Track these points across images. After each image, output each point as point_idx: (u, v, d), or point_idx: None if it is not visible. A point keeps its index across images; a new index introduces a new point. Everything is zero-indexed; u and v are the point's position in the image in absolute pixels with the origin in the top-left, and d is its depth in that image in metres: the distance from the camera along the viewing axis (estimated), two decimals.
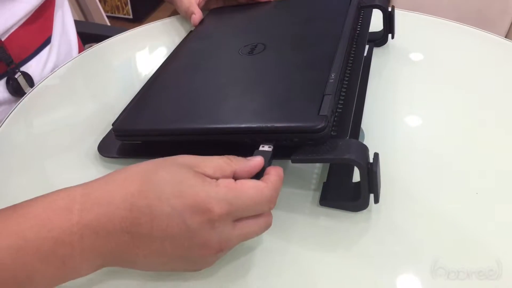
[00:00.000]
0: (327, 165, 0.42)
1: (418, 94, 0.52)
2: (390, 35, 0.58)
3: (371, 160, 0.35)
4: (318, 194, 0.40)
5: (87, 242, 0.29)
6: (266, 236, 0.37)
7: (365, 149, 0.36)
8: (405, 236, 0.36)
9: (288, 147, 0.37)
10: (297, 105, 0.38)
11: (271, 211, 0.33)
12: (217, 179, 0.31)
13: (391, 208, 0.38)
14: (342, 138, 0.38)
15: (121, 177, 0.31)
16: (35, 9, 0.64)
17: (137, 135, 0.43)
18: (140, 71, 0.61)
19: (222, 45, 0.54)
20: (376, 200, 0.37)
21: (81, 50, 0.79)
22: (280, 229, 0.38)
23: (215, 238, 0.30)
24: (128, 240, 0.30)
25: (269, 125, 0.36)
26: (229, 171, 0.33)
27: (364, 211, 0.38)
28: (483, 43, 0.60)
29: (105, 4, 2.22)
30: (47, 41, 0.68)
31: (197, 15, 0.63)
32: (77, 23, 0.82)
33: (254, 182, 0.32)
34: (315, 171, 0.43)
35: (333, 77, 0.40)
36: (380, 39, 0.58)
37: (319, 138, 0.36)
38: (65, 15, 0.74)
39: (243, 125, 0.38)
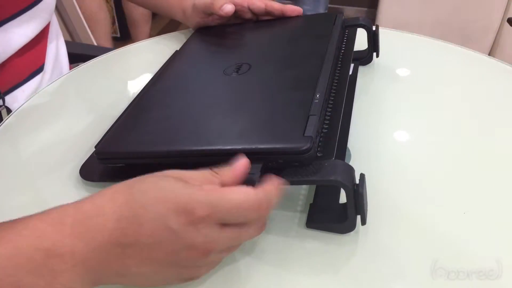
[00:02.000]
0: (314, 186, 0.42)
1: (404, 113, 0.52)
2: (375, 54, 0.59)
3: (357, 181, 0.35)
4: (304, 216, 0.39)
5: (78, 255, 0.29)
6: (251, 259, 0.36)
7: (351, 170, 0.36)
8: (393, 257, 0.36)
9: (274, 168, 0.37)
10: (282, 126, 0.38)
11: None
12: None
13: (378, 229, 0.38)
14: (328, 159, 0.37)
15: (111, 191, 0.32)
16: (29, 41, 0.64)
17: (120, 158, 0.42)
18: (126, 91, 0.61)
19: (207, 65, 0.54)
20: (363, 222, 0.36)
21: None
22: (266, 252, 0.37)
23: (200, 239, 0.30)
24: (119, 251, 0.30)
25: (253, 146, 0.36)
26: (217, 182, 0.33)
27: (351, 232, 0.37)
28: (466, 60, 0.61)
29: None
30: (39, 70, 0.67)
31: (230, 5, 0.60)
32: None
33: (241, 187, 0.31)
34: (302, 192, 0.42)
35: (318, 97, 0.40)
36: (365, 57, 0.59)
37: (304, 160, 0.36)
38: (59, 46, 0.74)
39: (228, 147, 0.37)
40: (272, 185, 0.33)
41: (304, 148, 0.35)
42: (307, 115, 0.38)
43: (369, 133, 0.48)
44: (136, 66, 0.67)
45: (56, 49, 0.73)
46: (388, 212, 0.39)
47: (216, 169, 0.34)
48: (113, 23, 2.18)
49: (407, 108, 0.52)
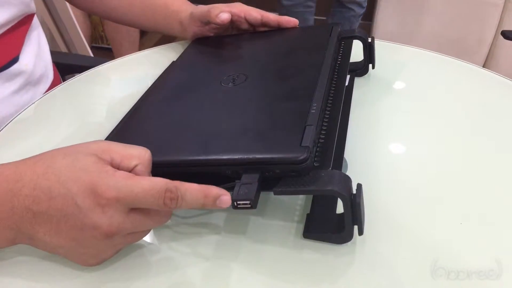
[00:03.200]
0: (311, 196, 0.42)
1: (400, 123, 0.52)
2: (370, 65, 0.59)
3: (354, 191, 0.35)
4: (301, 226, 0.39)
5: None
6: (246, 269, 0.36)
7: (348, 180, 0.35)
8: (391, 267, 0.36)
9: (271, 178, 0.36)
10: (279, 136, 0.38)
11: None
12: (119, 168, 0.34)
13: (376, 239, 0.38)
14: (325, 169, 0.37)
15: (34, 160, 0.35)
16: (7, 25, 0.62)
17: None
18: (121, 102, 0.60)
19: (204, 75, 0.54)
20: (360, 232, 0.36)
21: (56, 77, 0.77)
22: (263, 263, 0.37)
23: (105, 221, 0.32)
24: (30, 216, 0.33)
25: (250, 156, 0.36)
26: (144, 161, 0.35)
27: (349, 243, 0.37)
28: (461, 72, 0.61)
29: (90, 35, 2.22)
30: (14, 60, 0.65)
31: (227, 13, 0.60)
32: (60, 54, 0.81)
33: (154, 177, 0.34)
34: (299, 202, 0.42)
35: (314, 107, 0.40)
36: (361, 69, 0.59)
37: (301, 170, 0.35)
38: (40, 37, 0.72)
39: (224, 157, 0.37)
40: (198, 188, 0.34)
41: (301, 158, 0.35)
42: (304, 125, 0.38)
43: (366, 144, 0.48)
44: (132, 77, 0.67)
45: (38, 41, 0.71)
46: (385, 222, 0.39)
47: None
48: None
49: (403, 119, 0.52)
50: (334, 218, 0.39)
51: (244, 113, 0.43)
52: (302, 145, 0.36)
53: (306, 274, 0.36)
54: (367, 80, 0.59)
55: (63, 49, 1.00)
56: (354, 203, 0.34)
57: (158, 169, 0.39)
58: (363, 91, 0.57)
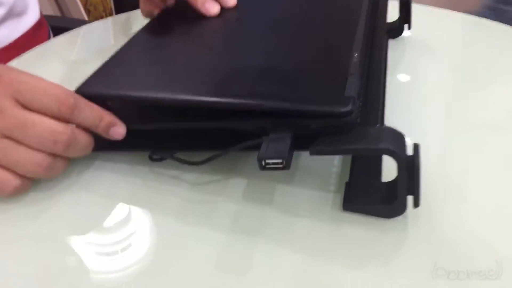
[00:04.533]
0: (347, 162, 0.35)
1: (439, 89, 0.45)
2: (406, 26, 0.52)
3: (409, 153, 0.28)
4: (339, 197, 0.32)
5: None
6: (273, 247, 0.29)
7: (402, 138, 0.29)
8: (456, 247, 0.29)
9: (306, 138, 0.29)
10: (317, 85, 0.31)
11: None
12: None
13: (434, 212, 0.31)
14: (372, 126, 0.30)
15: None
16: None
17: (102, 101, 0.35)
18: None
19: (235, 15, 0.46)
20: (416, 204, 0.29)
21: (44, 26, 0.69)
22: (293, 239, 0.30)
23: None
24: None
25: (284, 106, 0.29)
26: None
27: (399, 217, 0.30)
28: (505, 38, 0.54)
29: (89, 15, 2.13)
30: None
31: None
32: (53, 18, 0.75)
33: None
34: (334, 169, 0.35)
35: (356, 57, 0.33)
36: (395, 29, 0.52)
37: (345, 125, 0.29)
38: None
39: (250, 102, 0.30)
40: (98, 108, 0.33)
41: (346, 110, 0.28)
42: (346, 74, 0.31)
43: (403, 109, 0.41)
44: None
45: None
46: (443, 192, 0.32)
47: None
48: (111, 14, 2.07)
49: (442, 84, 0.45)
50: (381, 186, 0.32)
51: (276, 58, 0.35)
52: (345, 95, 0.29)
53: (347, 254, 0.29)
54: (401, 42, 0.53)
55: (56, 12, 0.92)
56: (413, 166, 0.28)
57: (156, 110, 0.32)
58: (397, 54, 0.50)
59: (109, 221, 0.32)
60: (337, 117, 0.28)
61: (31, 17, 0.66)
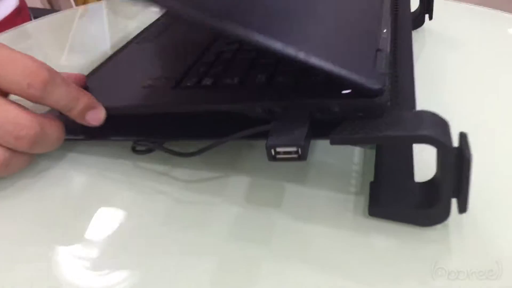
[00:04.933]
0: (370, 158, 0.29)
1: (463, 82, 0.39)
2: (427, 17, 0.47)
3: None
4: (362, 200, 0.27)
5: None
6: (283, 260, 0.23)
7: (446, 124, 0.23)
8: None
9: (326, 122, 0.24)
10: (345, 57, 0.25)
11: None
12: None
13: (481, 220, 0.25)
14: (406, 110, 0.25)
15: None
16: None
17: None
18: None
19: None
20: (463, 208, 0.23)
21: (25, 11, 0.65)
22: (309, 254, 0.24)
23: None
24: None
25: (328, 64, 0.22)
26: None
27: (439, 226, 0.25)
28: None
29: None
30: None
31: None
32: (39, 10, 0.70)
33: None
34: (353, 167, 0.29)
35: (385, 33, 0.28)
36: (415, 19, 0.47)
37: (376, 106, 0.23)
38: None
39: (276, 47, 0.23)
40: (76, 87, 0.29)
41: (377, 87, 0.22)
42: (375, 49, 0.25)
43: (427, 99, 0.36)
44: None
45: None
46: (489, 195, 0.27)
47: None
48: None
49: (465, 77, 0.40)
50: (414, 187, 0.26)
51: (300, 22, 0.29)
52: (378, 71, 0.23)
53: (375, 272, 0.23)
54: (421, 33, 0.47)
55: (46, 5, 0.87)
56: (463, 158, 0.22)
57: None
58: (418, 45, 0.45)
59: (82, 227, 0.26)
60: (367, 96, 0.23)
61: (8, 3, 0.60)
